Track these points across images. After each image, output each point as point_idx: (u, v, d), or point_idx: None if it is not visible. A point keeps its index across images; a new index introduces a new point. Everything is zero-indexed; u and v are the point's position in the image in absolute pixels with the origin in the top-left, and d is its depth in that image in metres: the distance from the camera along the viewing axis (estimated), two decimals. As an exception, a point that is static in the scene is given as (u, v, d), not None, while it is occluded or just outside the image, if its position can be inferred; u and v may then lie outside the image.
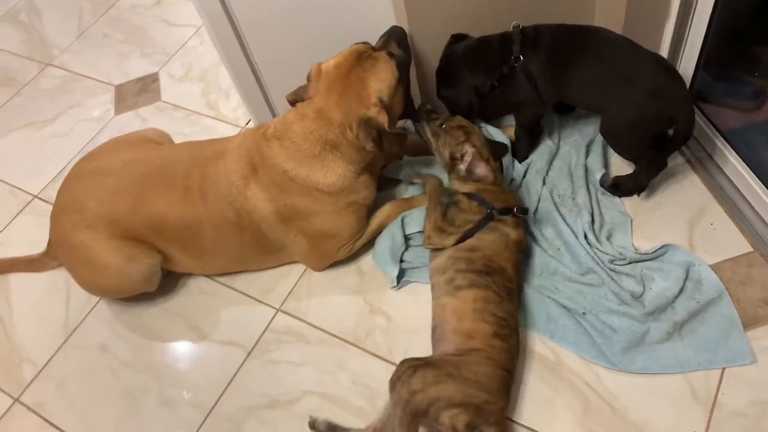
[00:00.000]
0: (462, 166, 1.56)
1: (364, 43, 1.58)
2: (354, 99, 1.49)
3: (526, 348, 1.50)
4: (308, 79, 1.56)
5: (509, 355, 1.37)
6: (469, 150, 1.55)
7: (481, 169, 1.55)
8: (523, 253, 1.56)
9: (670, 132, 1.56)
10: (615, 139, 1.62)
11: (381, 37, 1.62)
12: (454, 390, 1.28)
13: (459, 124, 1.60)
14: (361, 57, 1.52)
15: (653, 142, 1.57)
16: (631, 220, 1.65)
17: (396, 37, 1.60)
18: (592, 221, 1.63)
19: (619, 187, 1.68)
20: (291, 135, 1.52)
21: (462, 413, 1.27)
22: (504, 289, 1.42)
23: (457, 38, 1.69)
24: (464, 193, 1.57)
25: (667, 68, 1.55)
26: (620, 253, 1.57)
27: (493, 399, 1.30)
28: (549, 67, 1.58)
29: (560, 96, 1.65)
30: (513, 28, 1.60)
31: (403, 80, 1.59)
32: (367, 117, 1.47)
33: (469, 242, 1.49)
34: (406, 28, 1.65)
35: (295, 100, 1.55)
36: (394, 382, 1.32)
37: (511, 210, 1.53)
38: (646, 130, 1.55)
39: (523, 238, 1.55)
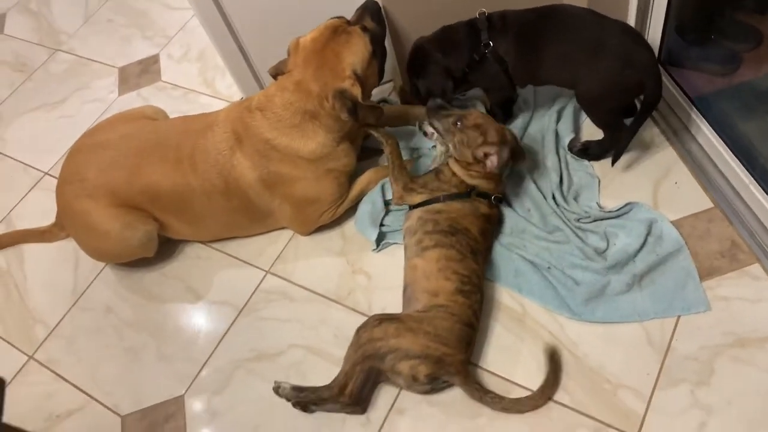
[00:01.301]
0: (490, 165, 1.55)
1: (339, 17, 1.66)
2: (329, 72, 1.58)
3: (494, 301, 1.59)
4: (288, 54, 1.65)
5: (471, 311, 1.46)
6: (491, 151, 1.54)
7: (505, 153, 1.56)
8: (492, 225, 1.63)
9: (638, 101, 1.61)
10: (590, 108, 1.67)
11: (356, 11, 1.70)
12: (413, 342, 1.38)
13: (474, 123, 1.58)
14: (336, 32, 1.61)
15: (625, 109, 1.63)
16: (599, 181, 1.72)
17: (370, 12, 1.68)
18: (561, 182, 1.71)
19: (587, 152, 1.75)
20: (272, 106, 1.62)
21: (422, 364, 1.37)
22: (468, 248, 1.51)
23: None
24: (460, 178, 1.62)
25: (634, 35, 1.60)
26: (586, 212, 1.65)
27: (452, 351, 1.39)
28: (519, 51, 1.63)
29: (531, 77, 1.71)
30: (479, 15, 1.65)
31: (377, 54, 1.67)
32: (342, 89, 1.56)
33: (436, 204, 1.58)
34: (381, 2, 1.72)
35: (276, 73, 1.65)
36: (359, 329, 1.44)
37: (489, 196, 1.61)
38: (619, 97, 1.61)
39: (494, 215, 1.62)
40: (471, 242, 1.53)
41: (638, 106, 1.63)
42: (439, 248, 1.51)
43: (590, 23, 1.60)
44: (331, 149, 1.66)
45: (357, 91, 1.56)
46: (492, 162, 1.55)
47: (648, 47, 1.61)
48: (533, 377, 1.46)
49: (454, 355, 1.40)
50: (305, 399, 1.48)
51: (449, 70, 1.69)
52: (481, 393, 1.39)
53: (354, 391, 1.43)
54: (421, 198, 1.61)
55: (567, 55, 1.60)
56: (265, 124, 1.63)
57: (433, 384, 1.43)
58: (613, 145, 1.69)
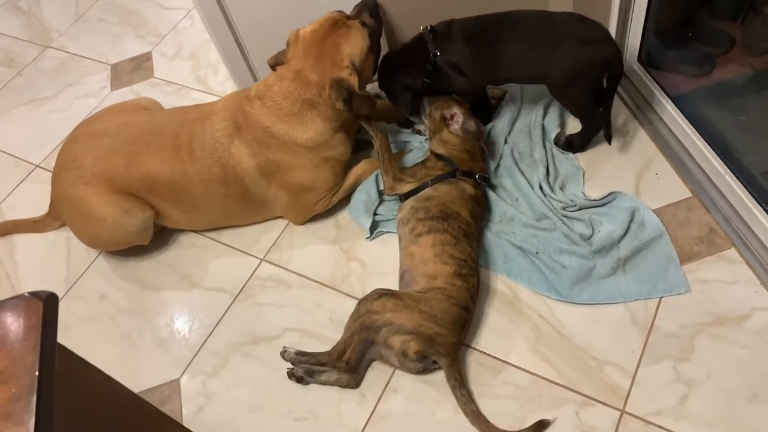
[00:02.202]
0: (455, 126, 1.71)
1: (338, 11, 1.72)
2: (328, 62, 1.63)
3: (485, 285, 1.65)
4: (287, 45, 1.71)
5: (468, 294, 1.51)
6: (458, 110, 1.72)
7: (471, 124, 1.71)
8: (480, 207, 1.70)
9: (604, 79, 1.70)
10: (564, 95, 1.75)
11: (355, 7, 1.76)
12: (408, 318, 1.43)
13: (450, 96, 1.78)
14: (336, 24, 1.67)
15: (595, 94, 1.71)
16: (583, 172, 1.80)
17: (368, 8, 1.75)
18: (547, 173, 1.79)
19: (571, 144, 1.83)
20: (272, 95, 1.67)
21: (413, 341, 1.42)
22: (460, 232, 1.57)
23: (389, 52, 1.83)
24: (435, 154, 1.73)
25: (584, 18, 1.68)
26: (571, 201, 1.73)
27: (445, 332, 1.44)
28: (470, 53, 1.71)
29: (490, 78, 1.80)
30: (422, 29, 1.74)
31: (373, 48, 1.74)
32: (339, 78, 1.62)
33: (425, 192, 1.65)
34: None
35: (275, 63, 1.71)
36: (360, 301, 1.49)
37: (473, 175, 1.68)
38: (588, 76, 1.68)
39: (479, 195, 1.69)
40: (463, 225, 1.59)
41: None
42: (433, 233, 1.57)
43: (540, 19, 1.69)
44: (328, 137, 1.71)
45: (354, 81, 1.62)
46: (457, 121, 1.70)
47: (600, 25, 1.69)
48: (523, 356, 1.52)
49: (446, 336, 1.44)
50: (307, 362, 1.54)
51: (408, 87, 1.78)
52: (457, 385, 1.43)
53: (351, 358, 1.48)
54: (410, 186, 1.68)
55: (526, 52, 1.68)
56: (264, 112, 1.67)
57: (424, 363, 1.47)
58: (594, 133, 1.78)
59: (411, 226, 1.61)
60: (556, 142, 1.85)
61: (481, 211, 1.70)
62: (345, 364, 1.49)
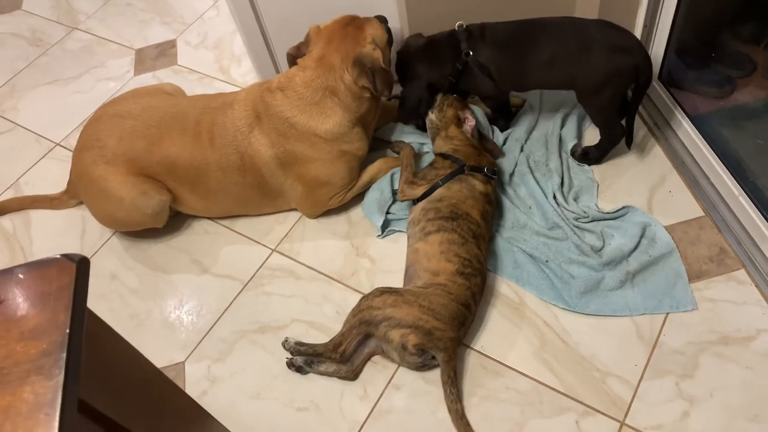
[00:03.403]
0: (468, 127, 1.78)
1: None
2: (351, 42, 1.68)
3: (493, 290, 1.66)
4: (308, 37, 1.74)
5: (469, 292, 1.52)
6: (467, 114, 1.78)
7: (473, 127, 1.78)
8: (491, 205, 1.70)
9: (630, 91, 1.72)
10: (591, 102, 1.75)
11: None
12: (407, 313, 1.45)
13: (455, 98, 1.82)
14: (356, 17, 1.73)
15: (621, 104, 1.73)
16: (598, 185, 1.81)
17: (381, 20, 1.79)
18: (562, 184, 1.80)
19: (588, 156, 1.84)
20: (293, 85, 1.70)
21: (412, 333, 1.44)
22: (469, 233, 1.59)
23: (410, 40, 1.85)
24: (441, 154, 1.75)
25: (613, 25, 1.69)
26: (584, 212, 1.74)
27: (443, 327, 1.45)
28: (501, 57, 1.74)
29: (519, 83, 1.82)
30: (457, 27, 1.76)
31: (389, 46, 1.77)
32: (363, 53, 1.66)
33: (437, 193, 1.67)
34: (403, 8, 1.82)
35: (296, 54, 1.74)
36: (362, 298, 1.53)
37: (481, 169, 1.70)
38: (617, 84, 1.69)
39: (491, 191, 1.70)
40: (473, 227, 1.60)
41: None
42: (441, 232, 1.58)
43: (570, 26, 1.71)
44: (347, 129, 1.73)
45: (378, 55, 1.66)
46: (470, 124, 1.76)
47: (631, 33, 1.71)
48: (526, 362, 1.53)
49: (444, 330, 1.46)
50: (304, 352, 1.58)
51: (431, 82, 1.79)
52: (449, 381, 1.44)
53: (346, 350, 1.52)
54: (423, 189, 1.70)
55: (556, 59, 1.69)
56: (285, 103, 1.70)
57: (423, 357, 1.49)
58: (611, 146, 1.79)
59: (421, 226, 1.63)
60: (572, 153, 1.87)
61: (492, 209, 1.71)
62: (339, 355, 1.52)
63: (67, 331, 0.55)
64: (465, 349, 1.57)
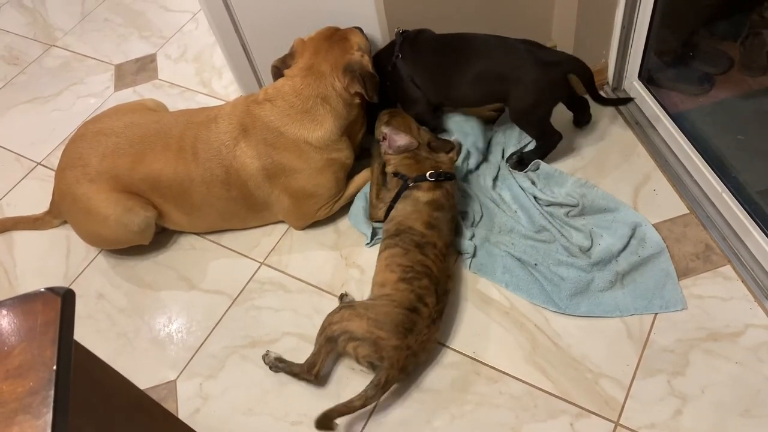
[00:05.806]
0: (384, 146, 1.74)
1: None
2: (339, 51, 1.70)
3: (484, 295, 1.66)
4: (293, 50, 1.74)
5: (413, 295, 1.51)
6: (384, 130, 1.74)
7: (402, 139, 1.71)
8: (441, 209, 1.65)
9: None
10: (526, 118, 1.76)
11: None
12: (358, 326, 1.48)
13: (385, 112, 1.81)
14: (339, 29, 1.74)
15: (567, 105, 1.82)
16: (559, 171, 1.83)
17: (359, 29, 1.80)
18: (534, 184, 1.82)
19: (522, 163, 1.86)
20: (283, 95, 1.70)
21: (360, 346, 1.47)
22: (411, 243, 1.58)
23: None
24: (393, 173, 1.75)
25: (538, 44, 1.72)
26: (571, 196, 1.75)
27: (386, 336, 1.46)
28: (427, 66, 1.76)
29: (444, 97, 1.81)
30: (396, 32, 1.78)
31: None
32: (352, 60, 1.68)
33: (390, 214, 1.69)
34: (383, 18, 1.82)
35: (281, 66, 1.74)
36: (326, 316, 1.55)
37: (424, 176, 1.68)
38: (551, 98, 1.75)
39: (439, 196, 1.66)
40: (416, 237, 1.59)
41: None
42: (387, 250, 1.61)
43: (498, 44, 1.71)
44: (337, 137, 1.73)
45: (366, 61, 1.69)
46: (386, 142, 1.73)
47: (557, 51, 1.78)
48: (519, 366, 1.53)
49: (387, 339, 1.46)
50: (283, 370, 1.60)
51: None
52: (375, 382, 1.43)
53: (320, 371, 1.54)
54: (383, 211, 1.73)
55: (483, 76, 1.71)
56: (275, 112, 1.70)
57: (376, 368, 1.48)
58: (550, 149, 1.83)
59: (380, 248, 1.65)
60: (508, 161, 1.88)
61: (444, 212, 1.65)
62: (315, 377, 1.54)
63: (54, 367, 0.53)
64: (457, 356, 1.57)
